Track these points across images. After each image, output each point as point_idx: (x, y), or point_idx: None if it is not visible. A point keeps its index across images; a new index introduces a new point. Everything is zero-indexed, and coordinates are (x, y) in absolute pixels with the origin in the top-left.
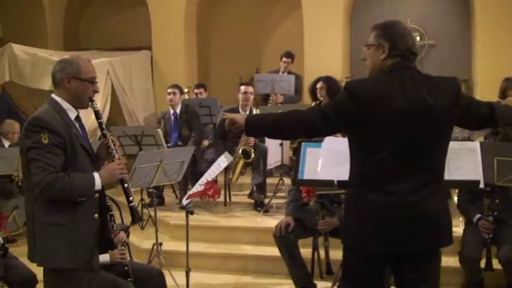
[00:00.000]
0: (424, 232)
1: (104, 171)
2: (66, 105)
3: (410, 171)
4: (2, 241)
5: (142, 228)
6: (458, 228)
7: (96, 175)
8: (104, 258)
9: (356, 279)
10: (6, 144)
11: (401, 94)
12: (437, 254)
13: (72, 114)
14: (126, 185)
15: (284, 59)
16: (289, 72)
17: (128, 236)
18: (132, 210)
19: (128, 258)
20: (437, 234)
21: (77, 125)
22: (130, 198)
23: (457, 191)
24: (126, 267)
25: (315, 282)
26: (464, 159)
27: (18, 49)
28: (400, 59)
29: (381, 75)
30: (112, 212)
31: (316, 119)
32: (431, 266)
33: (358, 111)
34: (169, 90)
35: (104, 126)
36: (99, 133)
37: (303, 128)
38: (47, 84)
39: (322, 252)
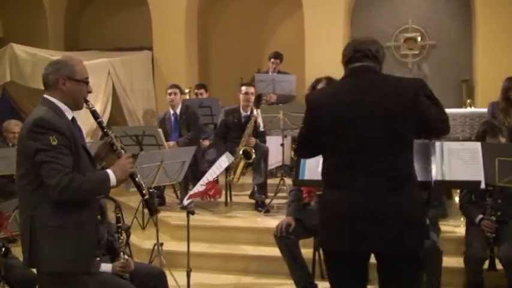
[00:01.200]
0: (380, 232)
1: (115, 167)
2: (62, 106)
3: (367, 170)
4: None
5: (143, 228)
6: (459, 228)
7: (109, 171)
8: (106, 268)
9: (332, 276)
10: (10, 144)
11: (351, 97)
12: (410, 259)
13: (68, 115)
14: (137, 178)
15: (272, 59)
16: (279, 72)
17: (128, 236)
18: (148, 204)
19: (128, 275)
20: (397, 236)
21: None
22: (144, 192)
23: (458, 191)
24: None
25: (316, 282)
26: (465, 160)
27: (19, 49)
28: (352, 64)
29: (338, 81)
30: (120, 224)
31: (306, 148)
32: (403, 272)
33: (313, 118)
34: (170, 91)
35: (104, 124)
36: (100, 133)
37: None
38: None
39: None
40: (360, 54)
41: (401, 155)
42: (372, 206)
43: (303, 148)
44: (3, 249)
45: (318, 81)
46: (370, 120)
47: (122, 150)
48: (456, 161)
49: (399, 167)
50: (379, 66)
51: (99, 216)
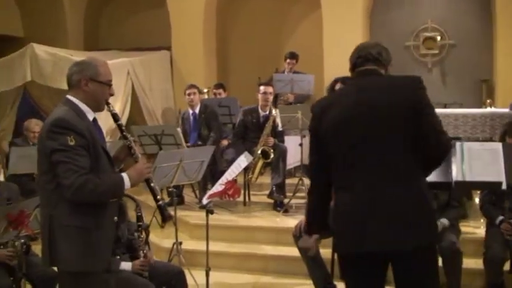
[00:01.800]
0: (381, 231)
1: (131, 171)
2: (84, 107)
3: (369, 170)
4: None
5: (162, 227)
6: (479, 229)
7: (124, 175)
8: (126, 266)
9: (346, 278)
10: (31, 143)
11: (351, 98)
12: (420, 258)
13: (90, 116)
14: (152, 184)
15: (288, 60)
16: (295, 72)
17: (147, 235)
18: (161, 210)
19: (147, 274)
20: (399, 235)
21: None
22: (158, 197)
23: (478, 192)
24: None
25: (335, 283)
26: (486, 160)
27: (39, 49)
28: (357, 69)
29: (342, 86)
30: (140, 223)
31: (323, 163)
32: (412, 274)
33: (316, 123)
34: (189, 91)
35: (123, 128)
36: (119, 133)
37: (325, 182)
38: None
39: None
40: (362, 60)
41: (404, 153)
42: (373, 205)
43: (316, 164)
44: (24, 246)
45: (336, 81)
46: (371, 119)
47: (140, 155)
48: (477, 161)
49: (402, 165)
50: (382, 68)
51: (115, 218)
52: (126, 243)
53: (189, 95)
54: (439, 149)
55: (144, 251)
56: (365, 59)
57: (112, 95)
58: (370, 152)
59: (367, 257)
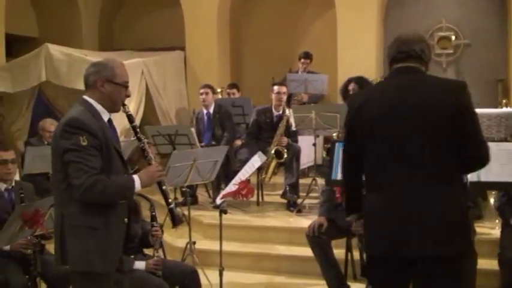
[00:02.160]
0: (412, 234)
1: (143, 174)
2: (99, 107)
3: (400, 171)
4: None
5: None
6: (494, 230)
7: (135, 177)
8: (140, 265)
9: (372, 278)
10: (46, 143)
11: (388, 96)
12: (451, 265)
13: (105, 116)
14: (164, 187)
15: (302, 60)
16: (309, 72)
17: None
18: (172, 213)
19: (161, 273)
20: (430, 238)
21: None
22: (169, 200)
23: (493, 193)
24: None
25: (348, 283)
26: (502, 161)
27: (54, 49)
28: (396, 64)
29: (381, 82)
30: (154, 222)
31: (350, 161)
32: (437, 282)
33: (351, 120)
34: (202, 91)
35: (137, 129)
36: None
37: (357, 172)
38: (82, 84)
39: (355, 253)
40: (403, 55)
41: (437, 155)
42: (401, 207)
43: (346, 163)
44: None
45: (349, 81)
46: (405, 120)
47: (153, 157)
48: (492, 162)
49: (440, 167)
50: (424, 66)
51: (126, 219)
52: (139, 242)
53: (201, 94)
54: (477, 156)
55: (158, 250)
56: (407, 55)
57: (128, 96)
58: (403, 153)
59: (392, 258)
